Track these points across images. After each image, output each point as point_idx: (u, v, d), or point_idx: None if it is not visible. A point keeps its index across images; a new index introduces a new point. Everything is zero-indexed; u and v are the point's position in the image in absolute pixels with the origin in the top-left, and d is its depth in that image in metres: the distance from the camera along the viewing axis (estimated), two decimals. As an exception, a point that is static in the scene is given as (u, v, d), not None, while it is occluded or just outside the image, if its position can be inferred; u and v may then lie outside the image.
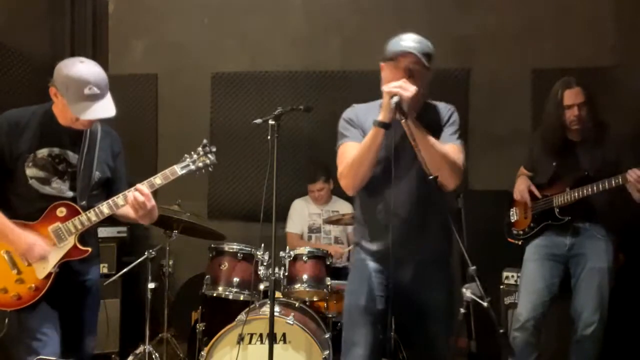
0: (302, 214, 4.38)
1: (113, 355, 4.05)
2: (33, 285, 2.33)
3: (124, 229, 4.35)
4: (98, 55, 4.88)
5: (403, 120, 2.12)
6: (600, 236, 3.06)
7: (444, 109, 2.45)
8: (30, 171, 2.33)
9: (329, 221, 4.19)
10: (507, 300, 3.59)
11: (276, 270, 3.12)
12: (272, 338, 2.79)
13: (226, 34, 4.95)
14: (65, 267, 2.38)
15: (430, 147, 2.21)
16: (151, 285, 3.74)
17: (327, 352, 3.13)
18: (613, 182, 2.85)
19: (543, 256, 3.16)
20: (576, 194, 3.01)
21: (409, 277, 2.36)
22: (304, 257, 3.45)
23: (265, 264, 3.42)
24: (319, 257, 3.50)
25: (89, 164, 2.42)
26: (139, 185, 2.38)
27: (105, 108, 2.31)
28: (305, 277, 3.41)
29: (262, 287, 3.44)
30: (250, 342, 3.13)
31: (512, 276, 3.60)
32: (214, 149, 2.52)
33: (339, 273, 4.09)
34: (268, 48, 4.90)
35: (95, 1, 4.94)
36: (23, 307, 2.32)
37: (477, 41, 4.54)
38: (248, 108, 4.77)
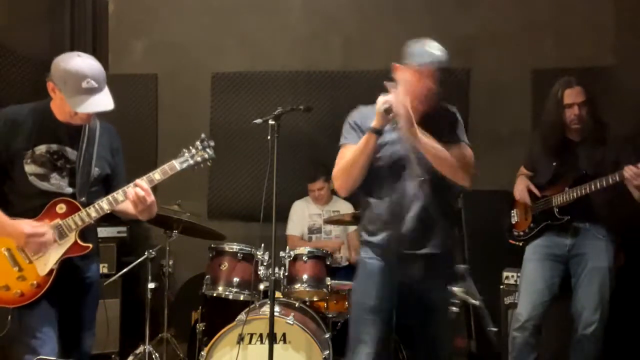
0: (302, 216, 4.38)
1: (113, 355, 4.05)
2: (35, 281, 2.33)
3: (124, 229, 4.35)
4: (98, 55, 4.86)
5: (398, 128, 2.19)
6: (600, 236, 3.06)
7: (449, 109, 2.53)
8: (29, 168, 2.33)
9: (330, 221, 4.19)
10: (507, 300, 3.59)
11: (276, 270, 3.12)
12: (272, 338, 2.79)
13: (226, 34, 4.95)
14: (66, 264, 2.38)
15: (437, 157, 2.31)
16: (151, 285, 3.74)
17: (327, 352, 3.13)
18: (610, 179, 2.85)
19: (543, 256, 3.16)
20: (575, 193, 3.01)
21: (418, 275, 2.40)
22: (304, 257, 3.45)
23: (265, 264, 3.42)
24: (319, 257, 3.49)
25: (88, 160, 2.42)
26: (138, 181, 2.38)
27: (104, 101, 2.31)
28: (305, 277, 3.40)
29: (262, 287, 3.44)
30: (250, 342, 3.13)
31: (512, 276, 3.60)
32: (212, 143, 2.52)
33: (339, 273, 4.11)
34: (268, 48, 4.90)
35: (95, 1, 4.93)
36: (23, 305, 2.32)
37: (477, 41, 4.54)
38: (248, 108, 4.77)
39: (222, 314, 3.48)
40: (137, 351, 3.73)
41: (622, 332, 3.31)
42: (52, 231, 2.33)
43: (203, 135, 2.53)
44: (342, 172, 2.43)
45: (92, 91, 2.27)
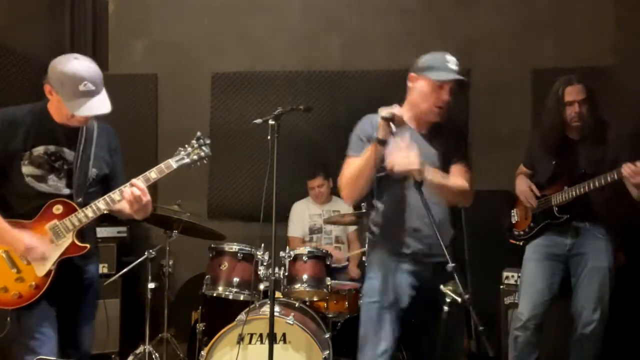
0: (302, 217, 4.38)
1: (113, 355, 4.05)
2: (33, 283, 2.33)
3: (124, 229, 4.35)
4: (98, 55, 4.88)
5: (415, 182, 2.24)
6: (600, 236, 3.05)
7: (458, 124, 2.68)
8: (27, 169, 2.33)
9: (330, 221, 4.19)
10: (507, 300, 3.59)
11: (276, 270, 3.12)
12: (272, 338, 2.79)
13: (226, 34, 4.95)
14: (65, 264, 2.38)
15: (441, 190, 2.40)
16: (151, 285, 3.74)
17: (327, 352, 3.13)
18: (609, 177, 2.84)
19: (543, 256, 3.16)
20: (573, 192, 3.01)
21: (430, 275, 2.43)
22: (304, 257, 3.45)
23: (265, 264, 3.42)
24: (319, 257, 3.49)
25: (86, 160, 2.42)
26: (134, 180, 2.38)
27: (101, 104, 2.31)
28: (305, 277, 3.40)
29: (262, 287, 3.44)
30: (250, 342, 3.13)
31: (512, 276, 3.60)
32: (207, 141, 2.52)
33: (339, 273, 4.11)
34: (268, 48, 4.90)
35: (95, 1, 4.94)
36: (22, 306, 2.32)
37: (477, 41, 4.54)
38: (248, 108, 4.77)
39: (222, 314, 3.48)
40: (137, 351, 3.73)
41: (622, 332, 3.31)
42: (49, 246, 2.34)
43: (199, 134, 2.53)
44: (348, 183, 2.47)
45: (89, 94, 2.27)
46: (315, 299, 3.57)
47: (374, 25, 4.78)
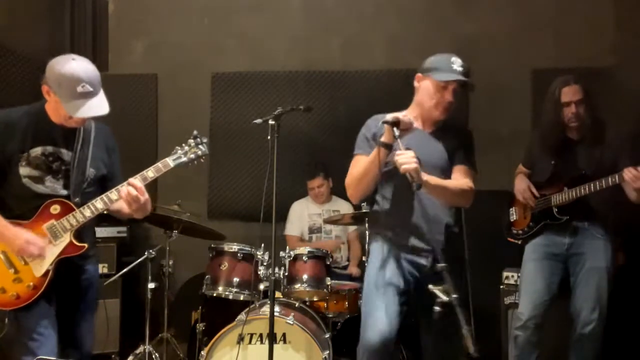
0: (301, 216, 4.38)
1: (113, 355, 4.05)
2: (31, 283, 2.33)
3: (124, 229, 4.35)
4: (98, 55, 4.88)
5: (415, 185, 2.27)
6: (599, 236, 3.05)
7: (467, 131, 2.70)
8: (24, 170, 2.33)
9: (330, 221, 4.19)
10: (507, 300, 3.58)
11: (276, 270, 3.12)
12: (272, 338, 2.79)
13: (226, 34, 4.95)
14: (63, 264, 2.38)
15: (440, 193, 2.47)
16: (151, 285, 3.74)
17: (327, 352, 3.13)
18: (610, 180, 2.84)
19: (542, 255, 3.16)
20: (574, 194, 3.01)
21: (430, 270, 2.48)
22: (304, 257, 3.45)
23: (265, 264, 3.42)
24: (319, 257, 3.49)
25: (83, 161, 2.42)
26: (131, 179, 2.38)
27: (99, 105, 2.30)
28: (305, 277, 3.40)
29: (262, 287, 3.44)
30: (250, 342, 3.13)
31: (512, 276, 3.59)
32: (205, 140, 2.52)
33: (339, 273, 4.11)
34: (268, 48, 4.90)
35: (95, 1, 4.93)
36: (21, 307, 2.32)
37: (477, 41, 4.54)
38: (248, 108, 4.77)
39: (222, 314, 3.48)
40: (137, 351, 3.72)
41: (622, 332, 3.31)
42: (47, 242, 2.34)
43: (195, 132, 2.52)
44: (354, 182, 2.55)
45: (87, 95, 2.26)
46: (315, 299, 3.57)
47: (374, 25, 4.78)
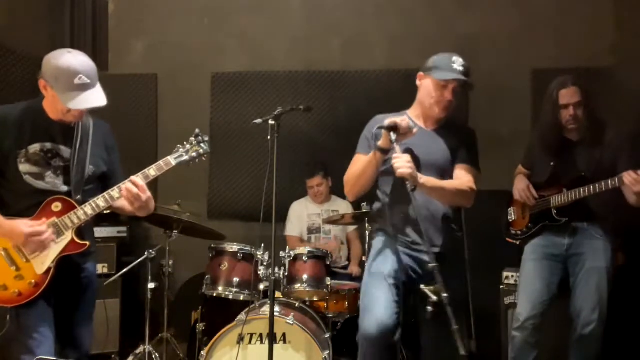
0: (300, 216, 4.38)
1: (113, 355, 4.05)
2: (33, 280, 2.33)
3: (124, 229, 4.35)
4: (98, 55, 4.88)
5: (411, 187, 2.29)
6: (598, 236, 3.05)
7: (470, 130, 2.72)
8: (24, 167, 2.33)
9: (329, 221, 4.19)
10: (507, 300, 3.58)
11: (276, 270, 3.12)
12: (272, 338, 2.79)
13: (226, 34, 4.95)
14: (63, 263, 2.37)
15: (437, 193, 2.49)
16: (151, 285, 3.74)
17: (327, 352, 3.13)
18: (610, 183, 2.84)
19: (542, 256, 3.16)
20: (573, 195, 3.00)
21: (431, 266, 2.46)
22: (304, 257, 3.45)
23: (265, 264, 3.42)
24: (319, 257, 3.49)
25: (82, 158, 2.41)
26: (133, 177, 2.38)
27: (96, 97, 2.29)
28: (305, 277, 3.40)
29: (262, 287, 3.44)
30: (250, 342, 3.13)
31: (512, 276, 3.59)
32: (206, 138, 2.53)
33: (339, 273, 4.11)
34: (268, 48, 4.90)
35: (95, 1, 4.93)
36: (21, 305, 2.32)
37: (477, 41, 4.54)
38: (248, 108, 4.77)
39: (222, 314, 3.48)
40: (137, 351, 3.72)
41: (622, 332, 3.31)
42: (50, 229, 2.33)
43: (197, 131, 2.53)
44: (351, 181, 2.60)
45: (84, 87, 2.26)
46: (315, 299, 3.57)
47: (374, 25, 4.78)
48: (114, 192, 2.39)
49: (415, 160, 2.45)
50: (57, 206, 2.36)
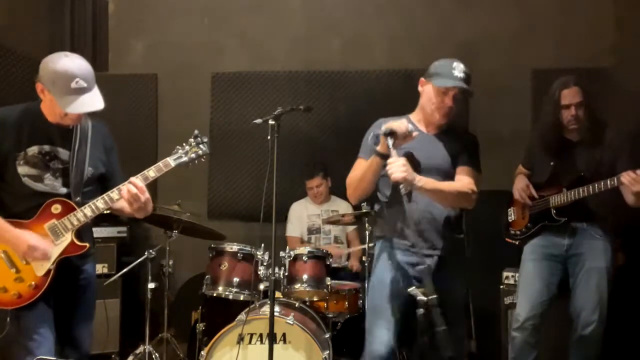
0: (300, 217, 4.38)
1: (113, 355, 4.05)
2: (32, 282, 2.33)
3: (124, 229, 4.35)
4: (98, 55, 4.88)
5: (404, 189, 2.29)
6: (598, 236, 3.05)
7: (470, 135, 2.73)
8: (22, 169, 2.33)
9: (329, 221, 4.19)
10: (507, 300, 3.58)
11: (276, 270, 3.12)
12: (272, 338, 2.79)
13: (226, 34, 4.95)
14: (62, 264, 2.38)
15: (436, 195, 2.49)
16: (151, 285, 3.74)
17: (327, 352, 3.13)
18: (608, 183, 2.84)
19: (541, 256, 3.15)
20: (572, 195, 3.00)
21: (434, 270, 2.50)
22: (304, 257, 3.45)
23: (265, 264, 3.42)
24: (319, 257, 3.49)
25: (81, 159, 2.41)
26: (132, 178, 2.38)
27: (94, 101, 2.29)
28: (305, 277, 3.40)
29: (262, 287, 3.44)
30: (250, 342, 3.13)
31: (512, 276, 3.59)
32: (205, 139, 2.53)
33: (338, 273, 4.11)
34: (268, 48, 4.90)
35: (95, 1, 4.94)
36: (21, 307, 2.32)
37: (477, 41, 4.54)
38: (248, 108, 4.77)
39: (222, 314, 3.48)
40: (137, 351, 3.72)
41: (622, 332, 3.31)
42: (50, 245, 2.34)
43: (196, 132, 2.53)
44: (352, 184, 2.62)
45: (81, 91, 2.26)
46: (315, 299, 3.57)
47: (374, 25, 4.78)
48: (114, 193, 2.39)
49: (416, 164, 2.46)
50: (56, 208, 2.36)
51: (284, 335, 3.13)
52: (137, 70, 5.04)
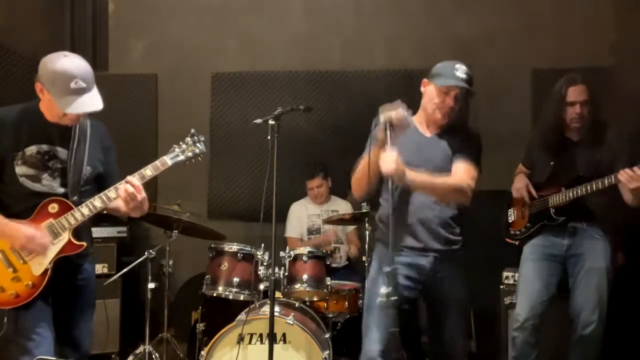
0: (300, 217, 4.38)
1: (113, 355, 4.05)
2: (30, 282, 2.32)
3: (124, 229, 4.35)
4: (98, 55, 4.88)
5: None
6: (598, 236, 3.04)
7: (472, 132, 2.73)
8: (20, 169, 2.33)
9: (329, 221, 4.19)
10: (507, 300, 3.58)
11: (276, 270, 3.12)
12: (272, 338, 2.79)
13: (226, 34, 4.95)
14: (60, 264, 2.37)
15: (428, 189, 2.49)
16: (151, 285, 3.74)
17: (327, 352, 3.13)
18: (606, 181, 2.84)
19: (541, 256, 3.15)
20: (570, 195, 3.00)
21: (427, 269, 2.56)
22: (304, 257, 3.45)
23: (265, 264, 3.42)
24: (319, 257, 3.50)
25: (80, 159, 2.41)
26: (129, 177, 2.38)
27: (93, 101, 2.29)
28: (305, 277, 3.41)
29: (262, 287, 3.44)
30: (250, 342, 3.13)
31: (512, 276, 3.59)
32: (202, 138, 2.52)
33: (338, 273, 4.11)
34: (268, 48, 4.90)
35: (95, 1, 4.94)
36: (18, 306, 2.31)
37: (477, 41, 4.54)
38: (248, 108, 4.77)
39: (222, 314, 3.48)
40: (137, 351, 3.72)
41: (622, 332, 3.31)
42: (49, 238, 2.33)
43: (193, 130, 2.52)
44: (355, 181, 2.63)
45: (80, 91, 2.25)
46: (315, 299, 3.57)
47: (374, 25, 4.78)
48: (111, 192, 2.39)
49: (416, 164, 2.45)
50: (53, 207, 2.36)
51: (284, 335, 3.13)
52: (137, 70, 5.04)
